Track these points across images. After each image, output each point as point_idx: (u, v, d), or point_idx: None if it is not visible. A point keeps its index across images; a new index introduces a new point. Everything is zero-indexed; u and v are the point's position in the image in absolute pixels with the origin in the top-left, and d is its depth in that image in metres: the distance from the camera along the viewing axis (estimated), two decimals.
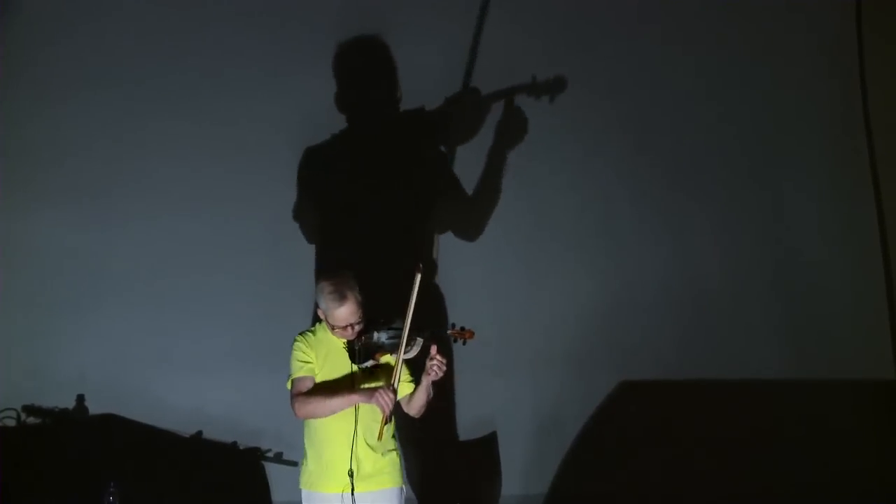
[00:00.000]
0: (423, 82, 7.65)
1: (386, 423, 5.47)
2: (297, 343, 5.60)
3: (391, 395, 5.39)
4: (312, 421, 5.57)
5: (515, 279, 7.76)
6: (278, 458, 7.33)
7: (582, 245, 7.88)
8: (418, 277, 5.39)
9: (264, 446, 7.36)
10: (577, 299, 7.80)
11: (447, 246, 7.67)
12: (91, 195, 7.42)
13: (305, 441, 5.67)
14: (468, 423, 7.61)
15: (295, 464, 7.30)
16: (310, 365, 5.55)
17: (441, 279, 7.58)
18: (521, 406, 7.70)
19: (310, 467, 5.65)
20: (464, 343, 5.48)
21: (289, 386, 5.60)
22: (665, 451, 7.64)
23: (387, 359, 5.56)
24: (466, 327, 5.45)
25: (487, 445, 7.65)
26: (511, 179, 7.74)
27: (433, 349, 5.44)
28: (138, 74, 7.47)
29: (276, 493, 7.35)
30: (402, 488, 5.65)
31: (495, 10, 7.73)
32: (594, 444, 7.74)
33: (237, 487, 7.31)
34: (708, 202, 8.03)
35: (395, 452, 5.64)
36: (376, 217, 7.54)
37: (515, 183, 7.76)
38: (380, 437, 5.51)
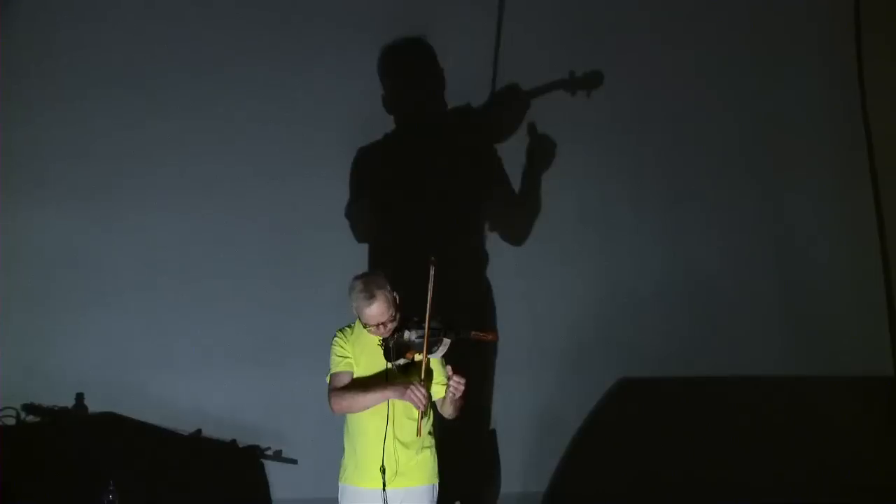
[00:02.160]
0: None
1: (423, 419, 5.53)
2: (335, 339, 5.66)
3: (423, 392, 5.45)
4: (350, 417, 5.63)
5: (513, 277, 7.76)
6: (277, 456, 7.33)
7: (580, 242, 7.88)
8: (433, 272, 5.44)
9: (263, 444, 7.36)
10: (575, 296, 7.80)
11: (444, 246, 7.68)
12: (91, 194, 7.42)
13: (344, 437, 5.71)
14: (467, 421, 7.59)
15: (294, 461, 7.35)
16: (348, 360, 5.61)
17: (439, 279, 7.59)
18: (520, 403, 7.69)
19: (346, 462, 5.70)
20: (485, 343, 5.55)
21: (328, 380, 5.63)
22: (664, 449, 7.65)
23: (420, 357, 5.58)
24: (490, 329, 5.51)
25: (486, 443, 7.65)
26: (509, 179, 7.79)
27: (449, 369, 5.54)
28: (139, 73, 7.46)
29: (276, 490, 7.37)
30: (434, 486, 5.69)
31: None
32: (593, 441, 7.74)
33: (236, 485, 7.31)
34: (707, 200, 8.03)
35: (429, 450, 5.68)
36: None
37: (513, 182, 7.78)
38: (418, 434, 5.56)
